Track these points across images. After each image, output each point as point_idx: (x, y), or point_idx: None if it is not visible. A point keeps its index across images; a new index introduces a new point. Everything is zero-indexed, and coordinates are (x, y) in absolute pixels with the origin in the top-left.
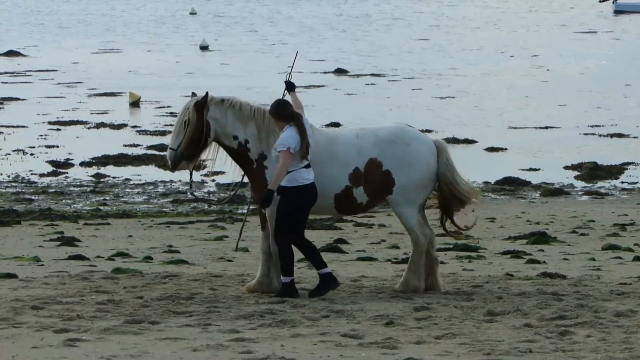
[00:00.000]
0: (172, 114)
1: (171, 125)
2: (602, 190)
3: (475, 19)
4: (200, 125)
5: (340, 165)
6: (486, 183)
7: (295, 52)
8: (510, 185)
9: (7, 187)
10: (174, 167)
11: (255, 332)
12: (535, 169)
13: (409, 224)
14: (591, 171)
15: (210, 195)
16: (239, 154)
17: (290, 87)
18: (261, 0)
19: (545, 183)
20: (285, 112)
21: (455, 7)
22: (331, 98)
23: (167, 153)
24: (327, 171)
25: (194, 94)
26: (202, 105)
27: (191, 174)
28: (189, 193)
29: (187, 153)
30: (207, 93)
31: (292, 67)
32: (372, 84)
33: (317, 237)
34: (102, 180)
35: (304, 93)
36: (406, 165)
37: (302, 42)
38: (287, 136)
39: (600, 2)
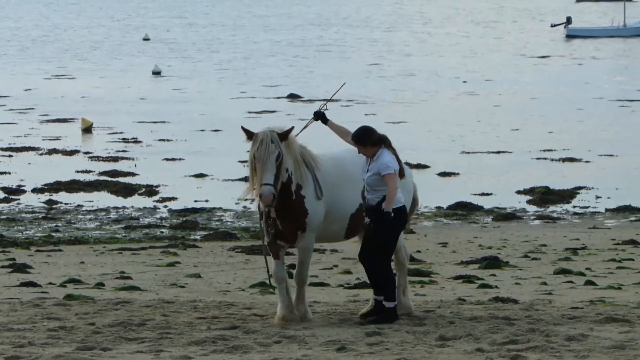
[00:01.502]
0: (125, 140)
1: (123, 151)
2: (554, 215)
3: (427, 45)
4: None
5: (353, 184)
6: (438, 208)
7: (342, 83)
8: (463, 210)
9: None
10: (272, 203)
11: (207, 358)
12: (487, 194)
13: (400, 243)
14: (543, 196)
15: (163, 221)
16: (285, 186)
17: (321, 117)
18: (210, 27)
19: (497, 208)
20: (375, 138)
21: (402, 34)
22: (284, 123)
23: (263, 190)
24: (343, 192)
25: (245, 130)
26: (284, 138)
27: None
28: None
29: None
30: (292, 127)
31: (332, 97)
32: (325, 109)
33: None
34: (54, 206)
35: (257, 119)
36: (403, 183)
37: (253, 67)
38: (389, 159)
39: (552, 27)
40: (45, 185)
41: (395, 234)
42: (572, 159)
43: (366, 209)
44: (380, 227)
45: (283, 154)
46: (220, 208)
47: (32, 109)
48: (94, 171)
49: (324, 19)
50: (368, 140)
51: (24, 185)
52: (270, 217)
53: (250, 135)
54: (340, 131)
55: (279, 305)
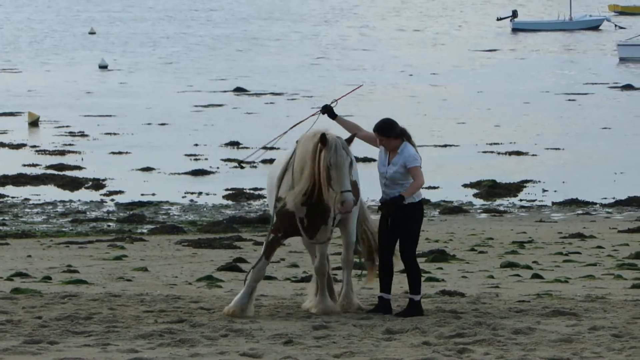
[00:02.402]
0: (72, 134)
1: (70, 144)
2: (501, 208)
3: (368, 39)
4: None
5: None
6: None
7: (360, 85)
8: None
9: None
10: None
11: (154, 351)
12: (434, 187)
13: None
14: (490, 189)
15: (110, 215)
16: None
17: (328, 112)
18: (151, 20)
19: (444, 201)
20: (398, 130)
21: (342, 28)
22: (231, 117)
23: (345, 197)
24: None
25: (324, 136)
26: (349, 144)
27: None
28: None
29: None
30: (355, 134)
31: (345, 95)
32: (271, 102)
33: (217, 256)
34: (0, 200)
35: (203, 112)
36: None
37: (197, 60)
38: (414, 152)
39: (498, 20)
40: None
41: (420, 226)
42: (518, 153)
43: (384, 204)
44: (399, 223)
45: (352, 161)
46: (167, 202)
47: None
48: (41, 165)
49: (264, 12)
50: (392, 132)
51: None
52: (297, 217)
53: (326, 141)
54: (350, 126)
55: (236, 299)
